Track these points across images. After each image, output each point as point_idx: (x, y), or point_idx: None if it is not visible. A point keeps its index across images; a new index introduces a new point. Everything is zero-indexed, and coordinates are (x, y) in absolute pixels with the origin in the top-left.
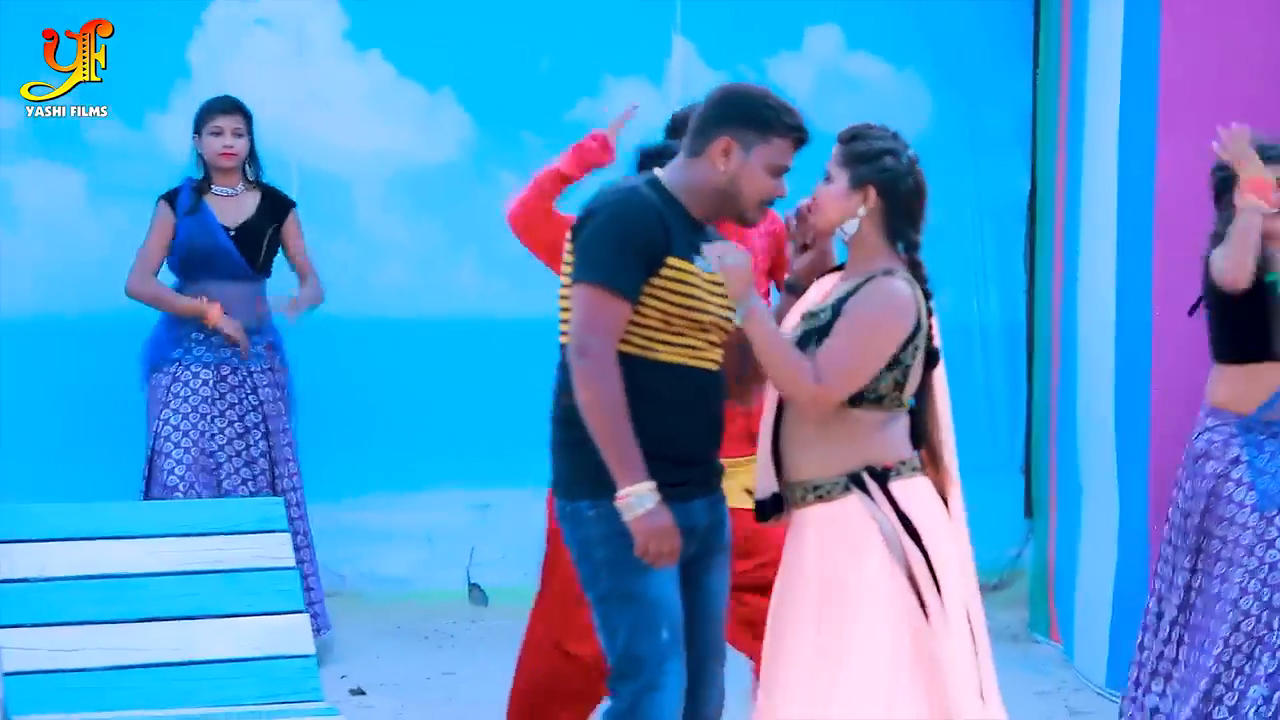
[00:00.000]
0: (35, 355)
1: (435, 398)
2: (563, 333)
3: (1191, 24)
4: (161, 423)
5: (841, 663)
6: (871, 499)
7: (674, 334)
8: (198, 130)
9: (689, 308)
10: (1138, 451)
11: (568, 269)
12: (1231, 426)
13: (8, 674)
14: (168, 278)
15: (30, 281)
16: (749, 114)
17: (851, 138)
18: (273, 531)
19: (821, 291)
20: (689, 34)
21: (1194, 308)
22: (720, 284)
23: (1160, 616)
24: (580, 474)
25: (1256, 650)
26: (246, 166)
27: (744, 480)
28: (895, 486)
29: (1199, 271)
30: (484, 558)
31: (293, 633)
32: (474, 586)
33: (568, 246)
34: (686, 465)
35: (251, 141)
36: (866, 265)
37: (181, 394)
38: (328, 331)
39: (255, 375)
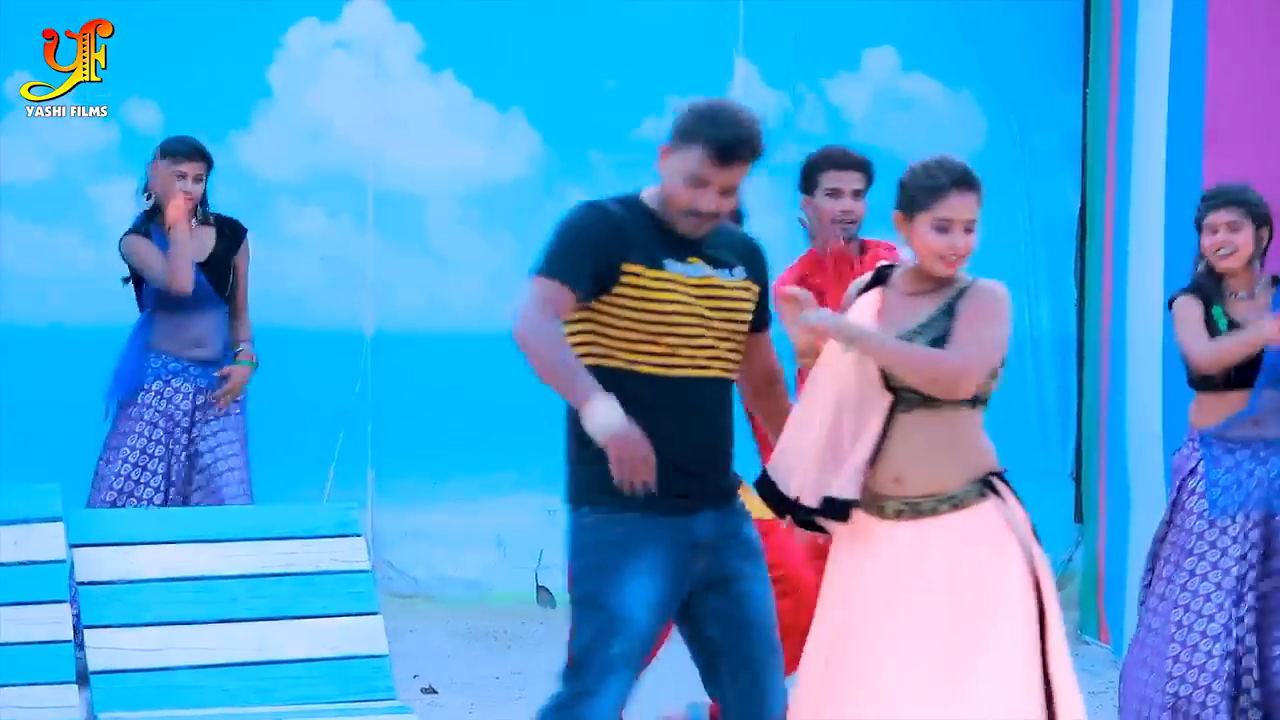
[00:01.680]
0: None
1: (505, 407)
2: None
3: (1237, 45)
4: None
5: (974, 664)
6: (1004, 502)
7: (654, 344)
8: (162, 158)
9: (663, 313)
10: None
11: None
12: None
13: (94, 673)
14: (131, 310)
15: (116, 295)
16: (678, 121)
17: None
18: (346, 536)
19: (865, 313)
20: (750, 55)
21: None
22: (703, 287)
23: None
24: (580, 482)
25: None
26: (199, 207)
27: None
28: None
29: None
30: (552, 561)
31: (367, 633)
32: (542, 589)
33: None
34: (689, 475)
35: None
36: (939, 283)
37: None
38: (403, 344)
39: (202, 408)
